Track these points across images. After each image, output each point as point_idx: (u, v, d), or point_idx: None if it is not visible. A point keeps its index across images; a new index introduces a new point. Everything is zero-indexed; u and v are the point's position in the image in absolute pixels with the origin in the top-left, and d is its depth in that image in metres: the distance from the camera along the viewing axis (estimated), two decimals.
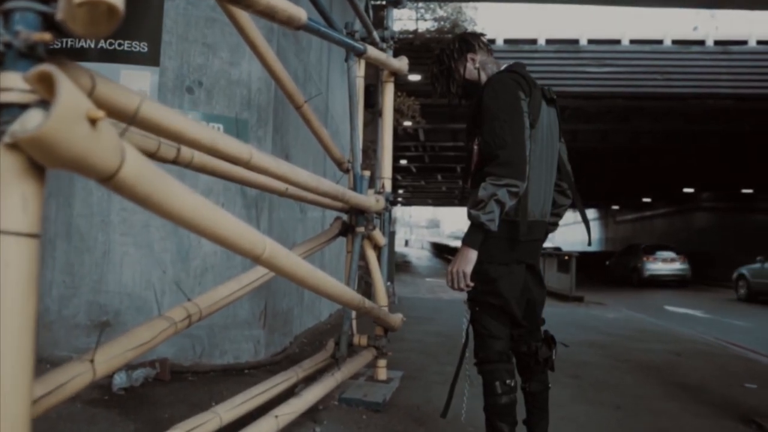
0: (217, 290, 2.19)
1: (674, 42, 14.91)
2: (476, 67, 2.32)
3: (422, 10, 14.12)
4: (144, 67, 3.79)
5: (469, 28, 13.06)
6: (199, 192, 3.68)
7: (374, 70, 4.31)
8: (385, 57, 3.71)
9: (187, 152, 1.84)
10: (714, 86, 14.30)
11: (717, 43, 14.70)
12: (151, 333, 1.66)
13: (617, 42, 15.01)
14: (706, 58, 14.50)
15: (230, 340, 3.98)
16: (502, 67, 2.27)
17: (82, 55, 3.67)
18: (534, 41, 15.14)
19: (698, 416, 3.49)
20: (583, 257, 12.42)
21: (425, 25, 14.30)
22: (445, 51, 2.38)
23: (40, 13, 0.82)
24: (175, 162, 1.83)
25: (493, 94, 2.09)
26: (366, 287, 7.32)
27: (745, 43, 14.57)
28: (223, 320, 3.84)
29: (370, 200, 3.45)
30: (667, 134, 18.93)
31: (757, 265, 13.49)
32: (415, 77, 12.50)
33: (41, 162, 0.81)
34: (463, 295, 2.21)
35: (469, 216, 1.99)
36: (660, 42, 14.96)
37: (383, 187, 3.80)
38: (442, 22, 14.19)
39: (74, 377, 1.35)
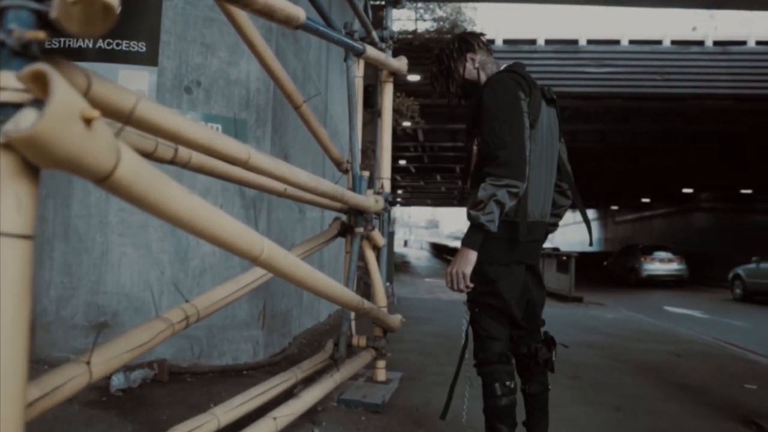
0: (215, 291, 2.18)
1: (673, 42, 14.92)
2: (476, 67, 2.31)
3: (421, 11, 14.12)
4: (142, 67, 3.78)
5: (469, 29, 13.04)
6: (197, 192, 3.67)
7: (373, 70, 4.30)
8: (384, 57, 3.70)
9: (184, 152, 1.83)
10: (713, 86, 14.32)
11: (716, 43, 14.71)
12: (149, 334, 1.65)
13: (616, 42, 15.02)
14: (705, 58, 14.51)
15: (229, 341, 3.97)
16: (502, 67, 2.26)
17: (80, 55, 3.66)
18: (533, 41, 15.14)
19: (698, 417, 3.48)
20: (581, 258, 12.43)
21: (424, 26, 14.30)
22: (444, 51, 2.37)
23: (34, 11, 0.81)
24: (172, 162, 1.82)
25: (492, 94, 2.08)
26: (365, 288, 7.31)
27: (744, 43, 14.58)
28: (221, 321, 3.83)
29: (369, 201, 3.44)
30: (666, 134, 18.95)
31: (753, 266, 13.58)
32: (414, 77, 12.50)
33: (35, 162, 0.80)
34: (463, 296, 2.20)
35: (469, 217, 1.98)
36: (659, 42, 14.96)
37: (382, 187, 3.79)
38: (441, 23, 14.19)
39: (70, 379, 1.34)
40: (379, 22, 4.11)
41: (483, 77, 2.28)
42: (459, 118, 15.61)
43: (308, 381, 3.02)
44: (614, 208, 35.79)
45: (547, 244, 2.51)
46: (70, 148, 0.79)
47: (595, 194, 30.25)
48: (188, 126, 1.36)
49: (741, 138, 18.22)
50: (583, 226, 2.44)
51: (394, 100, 4.72)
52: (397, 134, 16.12)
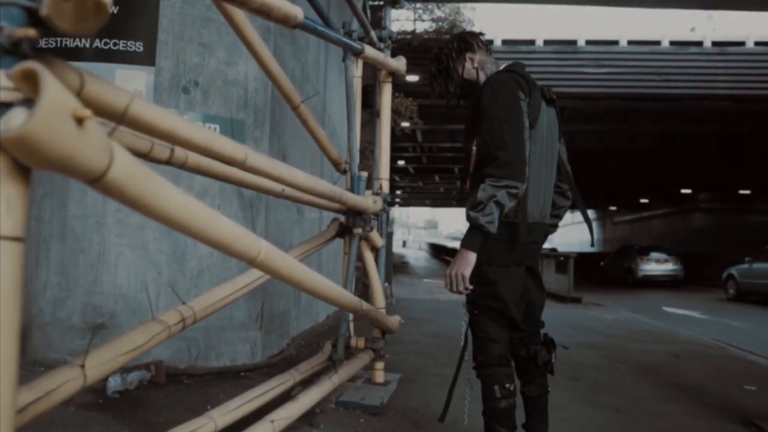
0: (212, 293, 2.16)
1: (672, 43, 14.92)
2: (475, 67, 2.29)
3: (420, 11, 14.11)
4: (139, 66, 3.76)
5: (467, 29, 13.03)
6: (195, 193, 3.63)
7: (372, 71, 4.28)
8: (382, 57, 3.69)
9: (181, 153, 1.81)
10: (711, 87, 14.32)
11: (714, 44, 14.71)
12: (144, 337, 1.63)
13: (615, 43, 15.02)
14: (703, 59, 14.52)
15: (226, 343, 3.95)
16: (501, 67, 2.24)
17: (77, 54, 3.64)
18: (532, 42, 15.13)
19: (697, 418, 3.47)
20: (580, 258, 12.44)
21: (423, 26, 14.29)
22: (443, 50, 2.35)
23: (25, 9, 0.79)
24: (168, 163, 1.80)
25: (492, 94, 2.06)
26: (363, 288, 7.30)
27: (742, 44, 14.58)
28: (219, 322, 3.81)
29: (368, 201, 3.42)
30: (664, 135, 18.96)
31: (746, 266, 13.70)
32: (412, 78, 12.48)
33: (26, 162, 0.78)
34: (462, 298, 2.18)
35: (468, 218, 1.96)
36: (658, 43, 14.97)
37: (381, 188, 3.78)
38: (440, 23, 14.19)
39: (64, 383, 1.32)
40: (378, 22, 4.09)
41: (482, 77, 2.26)
42: (458, 118, 15.60)
43: (306, 383, 3.00)
44: (613, 208, 35.83)
45: (545, 245, 2.50)
46: (61, 148, 0.77)
47: (594, 195, 30.27)
48: (184, 126, 1.34)
49: (739, 138, 18.23)
50: (582, 226, 2.43)
51: (392, 101, 4.71)
52: (396, 135, 16.11)
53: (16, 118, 0.73)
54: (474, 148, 2.10)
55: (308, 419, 2.86)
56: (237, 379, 3.70)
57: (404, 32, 13.60)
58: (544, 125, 2.17)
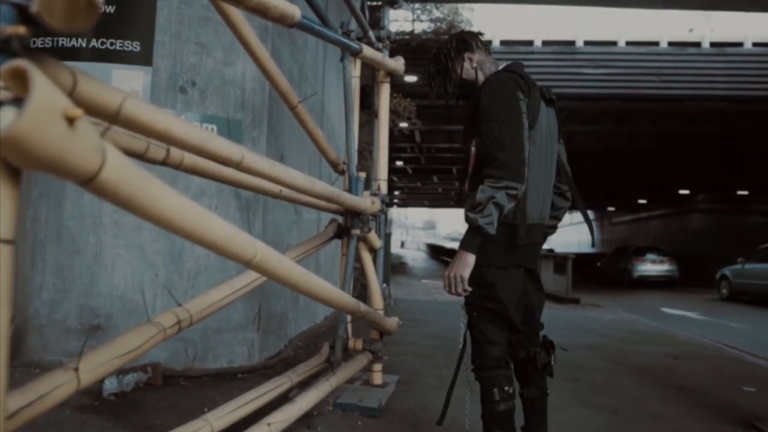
0: (209, 295, 2.14)
1: (670, 44, 14.92)
2: (473, 67, 2.28)
3: (418, 11, 14.10)
4: (136, 66, 3.74)
5: (466, 29, 13.02)
6: (192, 193, 3.61)
7: (370, 71, 4.27)
8: (381, 57, 3.67)
9: (177, 153, 1.79)
10: (710, 88, 14.33)
11: (713, 44, 14.72)
12: (139, 340, 1.61)
13: (614, 44, 15.01)
14: (702, 59, 14.53)
15: (224, 344, 3.93)
16: (501, 67, 2.23)
17: (74, 54, 3.62)
18: (530, 42, 15.13)
19: (697, 420, 3.46)
20: (578, 259, 12.45)
21: (421, 26, 14.28)
22: (442, 50, 2.33)
23: (15, 6, 0.78)
24: (164, 163, 1.78)
25: (490, 95, 2.04)
26: (362, 289, 7.27)
27: (740, 44, 14.58)
28: (216, 323, 3.79)
29: (366, 202, 3.41)
30: (663, 136, 18.97)
31: (738, 266, 13.86)
32: (411, 78, 12.47)
33: (15, 163, 0.77)
34: (460, 299, 2.16)
35: (467, 219, 1.94)
36: (656, 44, 14.96)
37: (379, 188, 3.76)
38: (438, 23, 14.17)
39: (57, 387, 1.30)
40: (376, 23, 4.07)
41: (481, 77, 2.24)
42: (456, 119, 15.59)
43: (304, 385, 2.98)
44: (611, 209, 35.84)
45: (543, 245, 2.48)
46: (52, 148, 0.76)
47: (593, 195, 30.28)
48: (179, 126, 1.32)
49: (738, 139, 18.25)
50: (580, 227, 2.43)
51: (391, 101, 4.70)
52: (394, 135, 16.07)
53: (5, 117, 0.71)
54: (473, 148, 2.09)
55: (306, 421, 2.84)
56: (234, 381, 3.68)
57: (402, 33, 13.59)
58: (544, 126, 2.15)
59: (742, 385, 4.46)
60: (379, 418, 3.11)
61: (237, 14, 2.26)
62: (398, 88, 12.42)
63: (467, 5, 14.17)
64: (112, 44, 3.67)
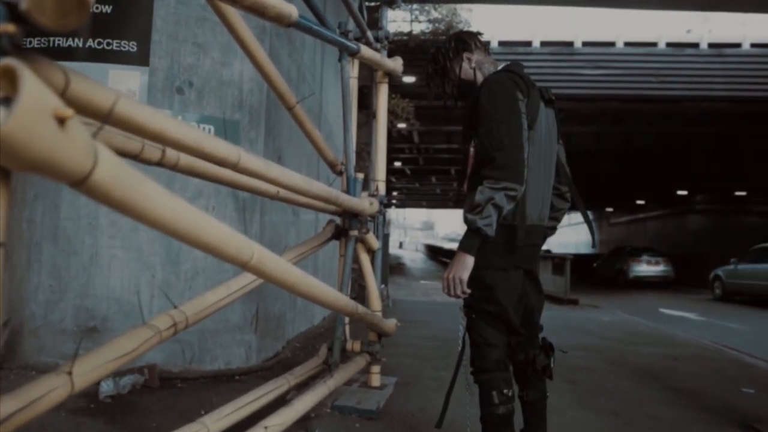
0: (206, 297, 2.12)
1: (668, 45, 14.92)
2: (472, 67, 2.26)
3: (417, 12, 14.09)
4: (133, 67, 3.72)
5: (465, 29, 13.00)
6: (190, 194, 3.58)
7: (368, 72, 4.26)
8: (379, 57, 3.66)
9: (172, 154, 1.77)
10: (708, 89, 14.35)
11: (711, 45, 14.72)
12: (134, 343, 1.59)
13: (612, 44, 15.02)
14: (700, 60, 14.54)
15: (221, 346, 3.91)
16: (500, 67, 2.21)
17: (70, 54, 3.60)
18: (529, 43, 15.13)
19: (697, 422, 3.44)
20: (575, 260, 12.46)
21: (420, 27, 14.27)
22: (440, 50, 2.31)
23: (4, 3, 0.76)
24: (160, 164, 1.76)
25: (489, 95, 2.03)
26: (360, 290, 7.26)
27: (738, 45, 14.60)
28: (214, 325, 3.77)
29: (364, 203, 3.39)
30: (661, 136, 18.99)
31: (731, 267, 14.02)
32: (409, 79, 12.46)
33: (4, 164, 0.75)
34: (458, 300, 2.14)
35: (466, 220, 1.93)
36: (654, 45, 14.97)
37: (377, 189, 3.74)
38: (436, 24, 14.17)
39: (50, 391, 1.27)
40: (375, 23, 4.06)
41: (480, 77, 2.22)
42: (455, 119, 15.58)
43: (301, 387, 2.96)
44: (609, 210, 35.85)
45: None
46: (42, 149, 0.74)
47: (591, 196, 30.29)
48: (174, 126, 1.30)
49: (736, 140, 18.27)
50: (578, 227, 2.42)
51: (389, 102, 4.68)
52: (393, 136, 16.08)
53: None
54: (472, 149, 2.07)
55: (303, 424, 2.82)
56: (231, 383, 3.66)
57: (401, 33, 13.59)
58: (543, 126, 2.13)
59: (742, 387, 4.45)
60: (377, 421, 3.09)
61: (234, 14, 2.24)
62: (396, 88, 12.41)
63: (465, 6, 14.18)
64: (108, 44, 3.65)
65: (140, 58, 3.72)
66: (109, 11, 3.67)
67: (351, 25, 3.52)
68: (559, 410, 3.31)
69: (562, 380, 4.09)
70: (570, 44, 15.05)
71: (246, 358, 3.99)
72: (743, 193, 23.05)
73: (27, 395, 1.22)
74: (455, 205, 46.39)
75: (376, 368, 3.62)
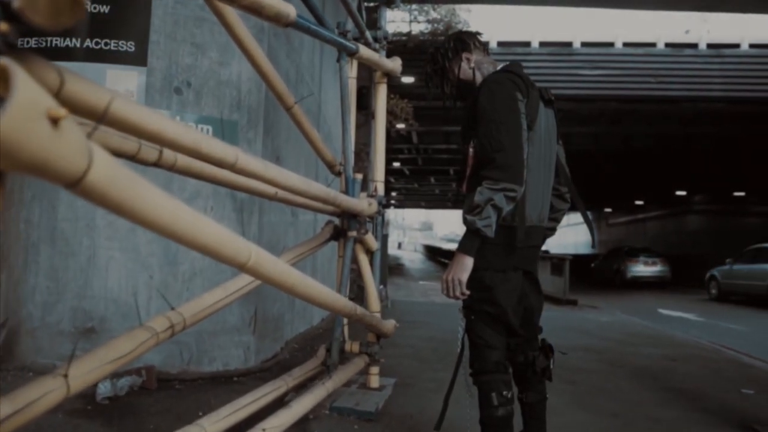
0: (203, 298, 2.11)
1: (667, 45, 14.93)
2: (471, 67, 2.25)
3: (415, 12, 14.08)
4: (131, 67, 3.71)
5: (464, 30, 12.98)
6: (188, 194, 3.57)
7: (367, 72, 4.25)
8: (377, 57, 3.65)
9: (170, 154, 1.76)
10: (707, 89, 14.36)
11: (710, 46, 14.73)
12: (131, 344, 1.58)
13: (611, 45, 15.02)
14: (698, 61, 14.55)
15: (219, 347, 3.89)
16: (499, 67, 2.20)
17: (68, 54, 3.58)
18: (527, 44, 15.12)
19: (696, 423, 3.44)
20: (573, 260, 12.46)
21: (418, 27, 14.26)
22: (439, 50, 2.30)
23: None
24: (157, 164, 1.75)
25: (489, 95, 2.01)
26: (359, 291, 7.24)
27: (737, 46, 14.61)
28: (212, 326, 3.75)
29: (363, 204, 3.38)
30: (659, 137, 18.99)
31: (727, 267, 14.12)
32: (408, 79, 12.45)
33: None
34: (458, 301, 2.13)
35: (465, 221, 1.91)
36: (653, 45, 14.97)
37: (376, 190, 3.73)
38: (435, 24, 14.16)
39: (46, 394, 1.26)
40: (373, 23, 4.05)
41: (479, 77, 2.21)
42: (454, 120, 15.56)
43: (300, 388, 2.95)
44: (608, 210, 35.87)
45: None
46: (35, 150, 0.73)
47: (590, 196, 30.29)
48: (170, 126, 1.29)
49: (735, 141, 18.27)
50: (577, 228, 2.42)
51: (387, 102, 4.67)
52: (391, 136, 16.05)
53: None
54: (471, 150, 2.06)
55: (302, 426, 2.81)
56: (230, 384, 3.64)
57: (400, 33, 13.58)
58: (542, 127, 2.12)
59: (741, 387, 4.44)
60: (376, 422, 3.08)
61: (232, 14, 2.23)
62: (395, 89, 12.40)
63: (464, 6, 14.18)
64: (106, 44, 3.64)
65: (138, 59, 3.71)
66: (106, 11, 3.66)
67: (349, 25, 3.51)
68: (558, 411, 3.30)
69: (562, 381, 4.08)
70: (569, 45, 15.05)
71: (244, 360, 3.98)
72: (742, 194, 23.05)
73: (22, 398, 1.21)
74: (454, 206, 46.35)
75: (374, 369, 3.61)
